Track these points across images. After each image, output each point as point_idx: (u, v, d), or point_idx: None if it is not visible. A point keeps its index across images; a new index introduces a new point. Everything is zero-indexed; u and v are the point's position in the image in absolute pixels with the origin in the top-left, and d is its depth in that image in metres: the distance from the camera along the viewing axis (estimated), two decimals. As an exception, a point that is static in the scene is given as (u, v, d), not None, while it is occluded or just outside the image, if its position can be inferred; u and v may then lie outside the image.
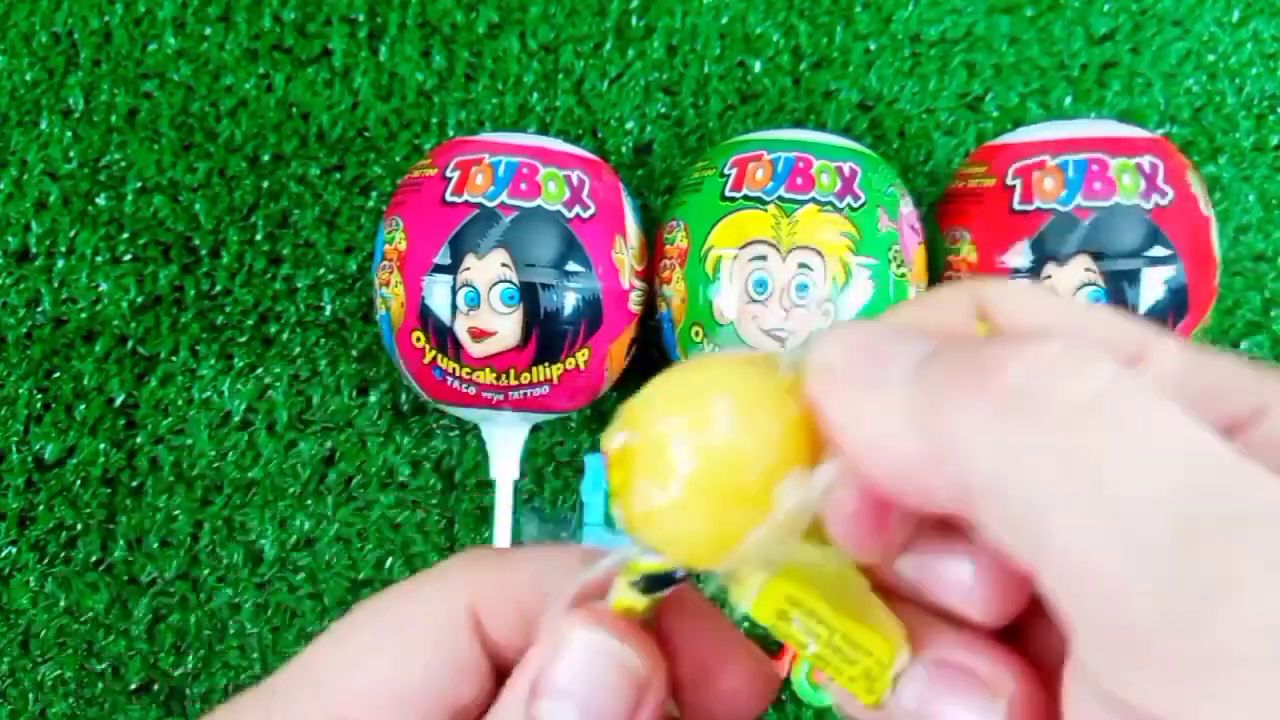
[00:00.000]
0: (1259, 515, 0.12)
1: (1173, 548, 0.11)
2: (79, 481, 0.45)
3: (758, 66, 0.47)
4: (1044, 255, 0.38)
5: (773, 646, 0.43)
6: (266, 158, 0.47)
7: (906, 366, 0.14)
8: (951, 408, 0.13)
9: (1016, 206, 0.39)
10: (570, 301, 0.39)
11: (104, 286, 0.46)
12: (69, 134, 0.47)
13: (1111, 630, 0.12)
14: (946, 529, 0.15)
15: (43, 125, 0.47)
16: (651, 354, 0.43)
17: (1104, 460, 0.12)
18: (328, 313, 0.46)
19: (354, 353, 0.46)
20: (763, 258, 0.38)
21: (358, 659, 0.16)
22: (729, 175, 0.40)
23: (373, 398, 0.46)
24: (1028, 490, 0.12)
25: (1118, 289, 0.37)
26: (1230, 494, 0.12)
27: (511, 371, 0.39)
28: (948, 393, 0.13)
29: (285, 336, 0.46)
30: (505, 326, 0.38)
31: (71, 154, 0.47)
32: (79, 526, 0.45)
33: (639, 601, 0.16)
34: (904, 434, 0.13)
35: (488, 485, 0.44)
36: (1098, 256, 0.37)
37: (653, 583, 0.16)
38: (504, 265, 0.38)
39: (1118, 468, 0.12)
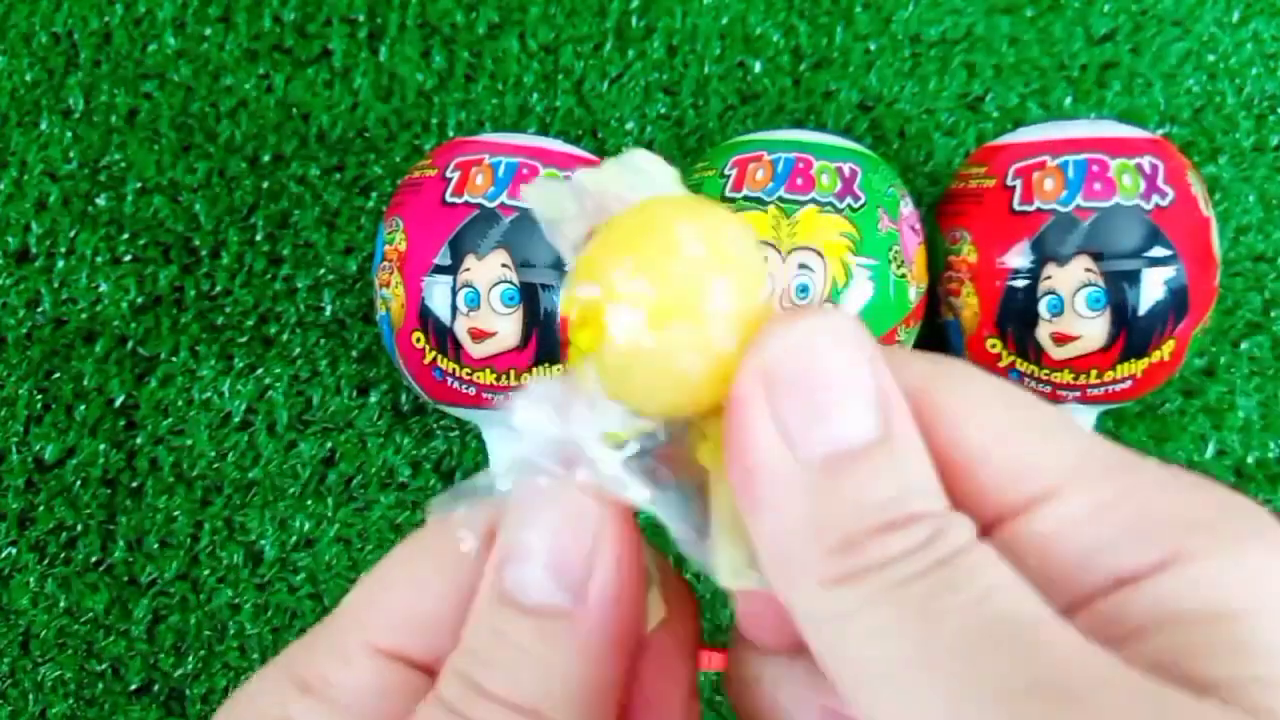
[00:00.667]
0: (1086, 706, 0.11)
1: None
2: (79, 482, 0.45)
3: (758, 67, 0.47)
4: (1044, 256, 0.38)
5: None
6: (266, 158, 0.47)
7: (824, 451, 0.14)
8: (825, 549, 0.13)
9: (1017, 207, 0.39)
10: (570, 302, 0.39)
11: (104, 287, 0.46)
12: (69, 134, 0.47)
13: None
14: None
15: (43, 125, 0.47)
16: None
17: (930, 633, 0.12)
18: (328, 313, 0.46)
19: (354, 353, 0.46)
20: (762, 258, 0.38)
21: (379, 594, 0.17)
22: (729, 176, 0.40)
23: (373, 398, 0.46)
24: (858, 631, 0.13)
25: (1118, 289, 0.37)
26: (1060, 682, 0.12)
27: (512, 372, 0.39)
28: (795, 553, 0.14)
29: (285, 337, 0.46)
30: (505, 327, 0.38)
31: (71, 154, 0.47)
32: (79, 527, 0.45)
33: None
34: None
35: (488, 486, 0.44)
36: (1098, 257, 0.37)
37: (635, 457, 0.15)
38: (504, 266, 0.38)
39: (943, 645, 0.12)
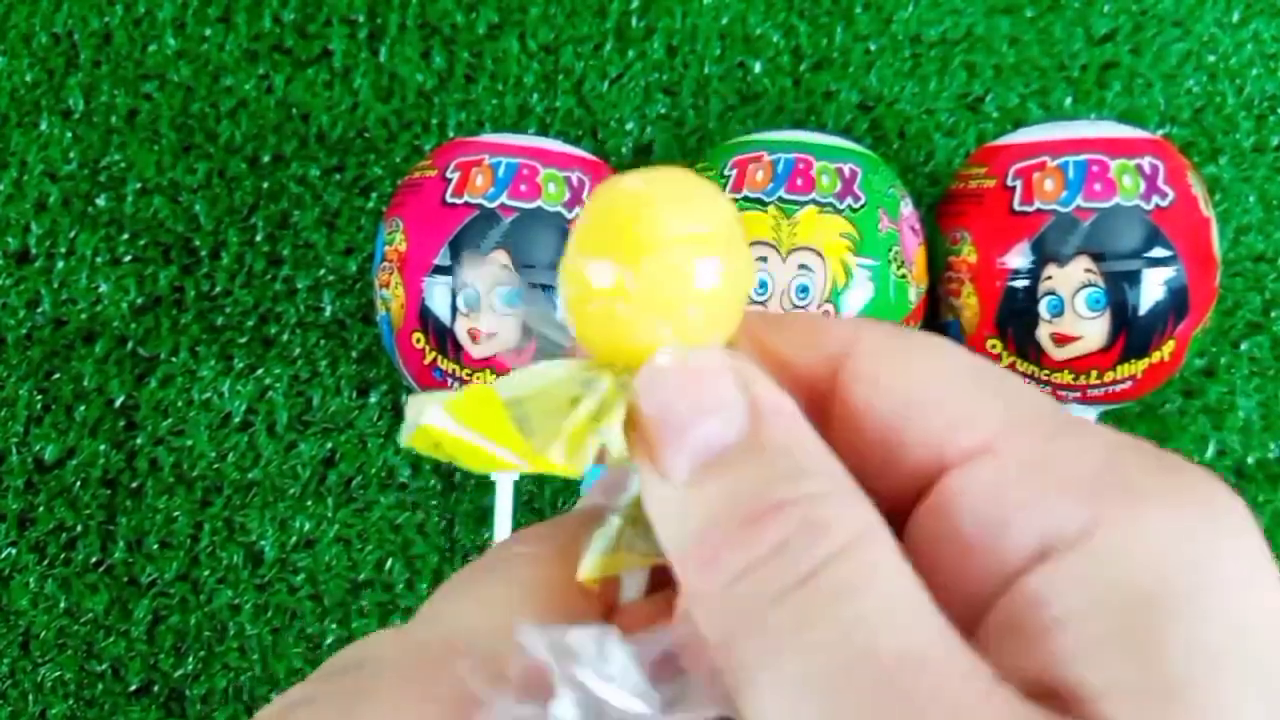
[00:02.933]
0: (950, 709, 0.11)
1: None
2: (79, 483, 0.45)
3: (758, 67, 0.47)
4: (1044, 256, 0.38)
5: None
6: (266, 159, 0.47)
7: (689, 464, 0.13)
8: (699, 563, 0.13)
9: (1017, 207, 0.39)
10: (570, 302, 0.39)
11: (104, 287, 0.46)
12: (69, 135, 0.47)
13: None
14: None
15: (43, 126, 0.47)
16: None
17: (818, 630, 0.12)
18: (328, 314, 0.46)
19: (354, 354, 0.46)
20: (763, 259, 0.38)
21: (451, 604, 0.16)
22: (729, 176, 0.40)
23: (373, 399, 0.46)
24: (741, 652, 0.12)
25: (1118, 290, 0.37)
26: (933, 686, 0.11)
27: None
28: (695, 546, 0.13)
29: (285, 337, 0.46)
30: (505, 328, 0.38)
31: (71, 155, 0.47)
32: (79, 528, 0.45)
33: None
34: (679, 528, 0.13)
35: (488, 486, 0.44)
36: (1098, 257, 0.37)
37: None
38: (504, 267, 0.38)
39: (830, 639, 0.12)
